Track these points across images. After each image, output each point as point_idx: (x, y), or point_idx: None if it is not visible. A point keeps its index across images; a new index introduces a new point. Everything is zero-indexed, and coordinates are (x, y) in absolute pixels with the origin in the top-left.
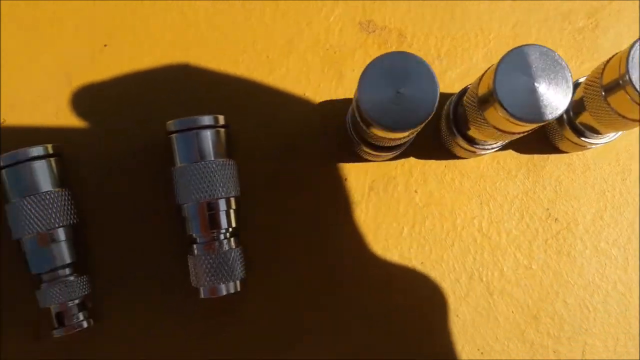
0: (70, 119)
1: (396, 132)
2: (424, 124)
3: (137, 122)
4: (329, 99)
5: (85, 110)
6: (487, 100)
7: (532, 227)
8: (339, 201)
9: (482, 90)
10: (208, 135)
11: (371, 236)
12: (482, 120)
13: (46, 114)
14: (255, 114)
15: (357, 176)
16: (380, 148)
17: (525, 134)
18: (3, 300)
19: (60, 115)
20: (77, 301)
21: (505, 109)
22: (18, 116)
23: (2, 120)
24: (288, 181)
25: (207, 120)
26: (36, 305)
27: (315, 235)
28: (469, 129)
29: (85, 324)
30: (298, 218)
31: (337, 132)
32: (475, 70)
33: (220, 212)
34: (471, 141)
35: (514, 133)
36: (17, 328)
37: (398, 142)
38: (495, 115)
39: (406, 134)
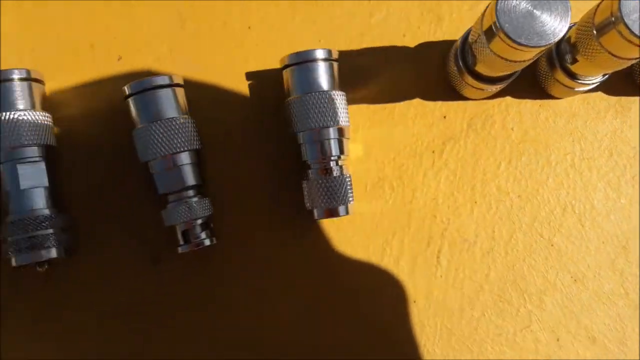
0: (182, 58)
1: (526, 48)
2: (548, 46)
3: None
4: (427, 40)
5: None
6: (607, 25)
7: (620, 164)
8: (439, 137)
9: (602, 16)
10: (322, 67)
11: (470, 170)
12: (597, 48)
13: (160, 53)
14: (358, 54)
15: (455, 114)
16: (487, 80)
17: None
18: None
19: (175, 53)
20: (200, 221)
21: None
22: (133, 54)
23: (118, 57)
24: (389, 118)
25: (319, 53)
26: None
27: (417, 167)
28: (574, 62)
29: (207, 242)
30: (398, 151)
31: (437, 72)
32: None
33: (332, 140)
34: (573, 76)
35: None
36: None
37: (507, 72)
38: (614, 39)
39: (530, 56)
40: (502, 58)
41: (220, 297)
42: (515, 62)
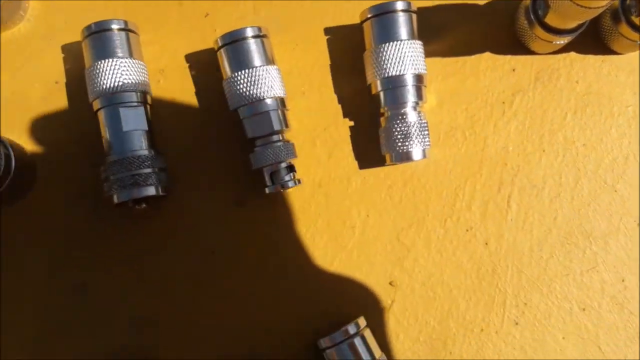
0: (265, 16)
1: None
2: None
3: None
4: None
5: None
6: None
7: None
8: (508, 89)
9: None
10: (401, 17)
11: (538, 121)
12: None
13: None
14: (433, 10)
15: (524, 67)
16: (556, 32)
17: None
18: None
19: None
20: (284, 164)
21: None
22: (219, 10)
23: (205, 14)
24: (461, 70)
25: (399, 5)
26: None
27: (488, 117)
28: None
29: (291, 184)
30: (469, 102)
31: (507, 28)
32: None
33: (411, 87)
34: (638, 29)
35: None
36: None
37: (580, 21)
38: None
39: (602, 3)
40: (578, 5)
41: (300, 238)
42: (591, 8)
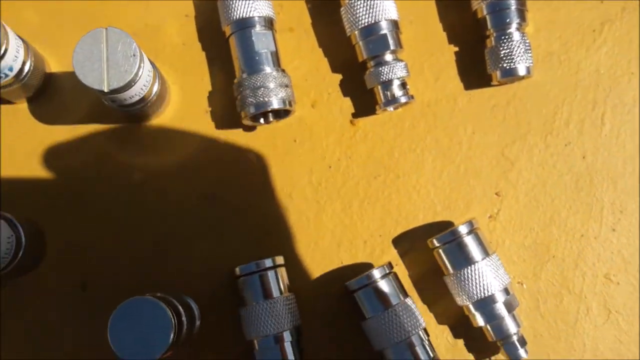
0: None
1: None
2: None
3: None
4: None
5: None
6: None
7: None
8: (598, 18)
9: None
10: None
11: (626, 46)
12: None
13: None
14: None
15: None
16: None
17: None
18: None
19: None
20: (398, 81)
21: None
22: None
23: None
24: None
25: None
26: None
27: (580, 43)
28: None
29: (404, 99)
30: (563, 29)
31: None
32: None
33: (514, 9)
34: None
35: None
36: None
37: None
38: None
39: None
40: None
41: (409, 153)
42: None
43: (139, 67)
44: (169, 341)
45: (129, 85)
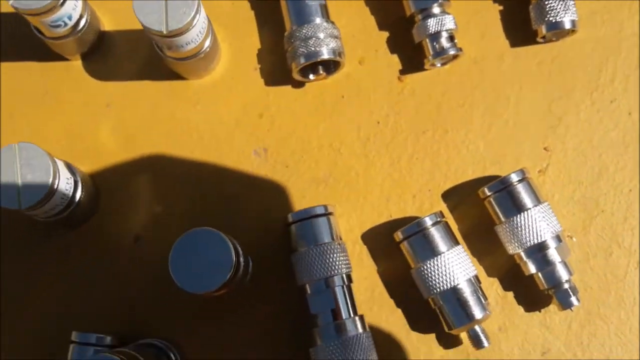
0: None
1: None
2: None
3: None
4: None
5: None
6: None
7: None
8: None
9: None
10: None
11: None
12: None
13: None
14: None
15: None
16: None
17: None
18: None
19: None
20: (446, 34)
21: None
22: None
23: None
24: None
25: None
26: None
27: (622, 4)
28: None
29: (452, 51)
30: None
31: None
32: None
33: None
34: None
35: None
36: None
37: None
38: None
39: None
40: None
41: (457, 109)
42: None
43: (197, 11)
44: (227, 275)
45: (186, 29)
